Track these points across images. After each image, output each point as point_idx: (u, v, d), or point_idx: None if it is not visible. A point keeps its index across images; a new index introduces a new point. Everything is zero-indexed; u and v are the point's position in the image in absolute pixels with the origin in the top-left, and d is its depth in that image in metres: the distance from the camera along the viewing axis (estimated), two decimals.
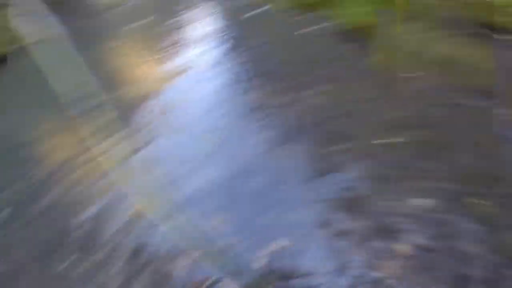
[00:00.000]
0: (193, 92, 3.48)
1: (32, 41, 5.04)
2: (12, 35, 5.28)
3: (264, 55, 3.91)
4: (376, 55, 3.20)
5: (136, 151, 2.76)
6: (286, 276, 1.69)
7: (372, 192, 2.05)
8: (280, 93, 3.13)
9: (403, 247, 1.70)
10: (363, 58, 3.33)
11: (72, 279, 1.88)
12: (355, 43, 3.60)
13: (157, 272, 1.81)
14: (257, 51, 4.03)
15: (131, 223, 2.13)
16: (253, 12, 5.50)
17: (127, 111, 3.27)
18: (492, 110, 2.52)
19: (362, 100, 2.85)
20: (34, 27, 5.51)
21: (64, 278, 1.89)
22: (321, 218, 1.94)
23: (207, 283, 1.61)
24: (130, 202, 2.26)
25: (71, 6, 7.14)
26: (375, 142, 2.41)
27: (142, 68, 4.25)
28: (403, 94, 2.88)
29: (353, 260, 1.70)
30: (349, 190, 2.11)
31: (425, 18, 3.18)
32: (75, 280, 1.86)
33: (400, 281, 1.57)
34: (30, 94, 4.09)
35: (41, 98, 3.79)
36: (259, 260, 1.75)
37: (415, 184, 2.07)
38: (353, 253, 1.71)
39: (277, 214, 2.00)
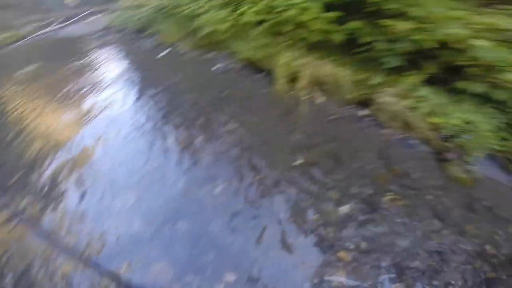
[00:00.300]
0: (107, 137, 3.22)
1: None
2: None
3: (176, 94, 3.95)
4: (276, 84, 3.60)
5: (50, 209, 2.40)
6: None
7: (301, 211, 2.29)
8: (197, 131, 3.18)
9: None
10: (266, 87, 3.71)
11: None
12: (257, 74, 4.01)
13: None
14: (169, 90, 4.07)
15: None
16: (162, 53, 5.58)
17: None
18: (374, 118, 3.16)
19: (272, 127, 3.14)
20: None
21: None
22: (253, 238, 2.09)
23: None
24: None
25: None
26: (292, 164, 2.70)
27: (50, 116, 3.77)
28: (305, 115, 3.29)
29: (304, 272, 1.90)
30: (280, 209, 2.31)
31: (306, 45, 3.73)
32: None
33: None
34: None
35: None
36: None
37: (333, 194, 2.41)
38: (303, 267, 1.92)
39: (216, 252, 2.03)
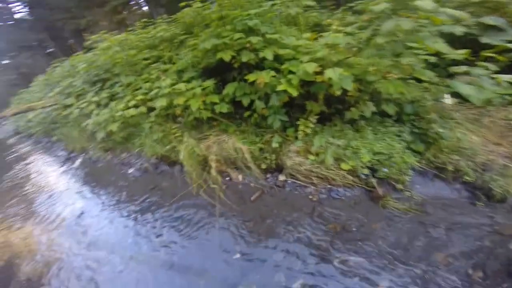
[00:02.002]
0: None
1: None
2: None
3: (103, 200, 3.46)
4: (190, 176, 3.17)
5: None
6: None
7: None
8: None
9: None
10: (182, 182, 3.28)
11: None
12: (171, 168, 3.59)
13: None
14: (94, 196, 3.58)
15: None
16: (77, 162, 4.93)
17: None
18: (293, 181, 2.87)
19: (202, 229, 2.76)
20: None
21: None
22: None
23: None
24: None
25: None
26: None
27: None
28: (231, 201, 2.92)
29: None
30: None
31: (199, 125, 3.32)
32: None
33: None
34: None
35: None
36: None
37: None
38: None
39: None
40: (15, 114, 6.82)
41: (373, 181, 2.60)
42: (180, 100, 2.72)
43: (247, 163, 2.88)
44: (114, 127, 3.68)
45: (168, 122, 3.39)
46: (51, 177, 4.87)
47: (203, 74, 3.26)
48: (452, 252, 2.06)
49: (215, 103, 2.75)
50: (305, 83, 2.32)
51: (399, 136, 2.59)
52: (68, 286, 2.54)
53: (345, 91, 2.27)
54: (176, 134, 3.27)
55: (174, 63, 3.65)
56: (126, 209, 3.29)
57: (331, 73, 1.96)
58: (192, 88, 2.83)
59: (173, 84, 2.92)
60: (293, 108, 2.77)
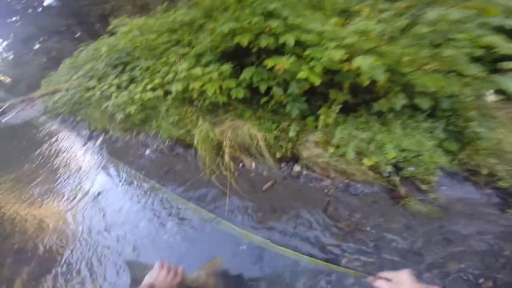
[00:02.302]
0: None
1: None
2: None
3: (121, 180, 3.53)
4: (204, 160, 3.10)
5: None
6: None
7: None
8: None
9: None
10: (196, 167, 3.22)
11: None
12: (186, 151, 3.53)
13: None
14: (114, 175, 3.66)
15: None
16: (98, 141, 5.05)
17: None
18: (308, 173, 2.72)
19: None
20: None
21: None
22: None
23: None
24: None
25: None
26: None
27: None
28: (242, 189, 2.83)
29: None
30: None
31: (216, 109, 3.21)
32: None
33: None
34: None
35: None
36: None
37: None
38: None
39: None
40: (42, 95, 7.12)
41: (396, 179, 2.39)
42: (196, 85, 2.61)
43: (261, 151, 2.75)
44: (132, 109, 3.66)
45: (184, 105, 3.31)
46: (75, 155, 5.05)
47: (221, 58, 3.11)
48: (467, 261, 1.90)
49: (232, 88, 2.62)
50: (329, 71, 2.11)
51: (431, 132, 2.33)
52: (86, 264, 2.60)
53: (374, 81, 2.04)
54: (192, 118, 3.19)
55: (193, 47, 3.54)
56: (141, 189, 3.31)
57: (360, 62, 1.75)
58: (209, 73, 2.71)
59: (190, 68, 2.81)
60: (314, 96, 2.58)
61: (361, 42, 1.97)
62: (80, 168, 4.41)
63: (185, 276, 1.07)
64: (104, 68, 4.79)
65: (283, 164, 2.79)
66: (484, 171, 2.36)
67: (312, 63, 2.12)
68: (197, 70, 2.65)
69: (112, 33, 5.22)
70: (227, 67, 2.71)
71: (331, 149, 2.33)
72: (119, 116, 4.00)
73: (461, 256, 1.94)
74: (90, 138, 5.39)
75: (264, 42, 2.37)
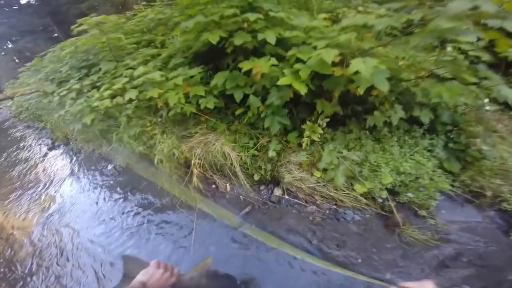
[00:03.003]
0: None
1: None
2: None
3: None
4: (170, 181, 2.56)
5: None
6: None
7: None
8: None
9: None
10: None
11: None
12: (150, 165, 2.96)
13: None
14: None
15: None
16: (57, 151, 4.33)
17: None
18: (291, 197, 2.22)
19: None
20: None
21: None
22: None
23: None
24: None
25: None
26: None
27: None
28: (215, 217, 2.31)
29: None
30: None
31: (183, 122, 2.68)
32: None
33: None
34: None
35: None
36: None
37: None
38: None
39: None
40: (4, 98, 6.21)
41: (392, 205, 1.97)
42: (153, 92, 2.06)
43: (236, 172, 2.24)
44: (88, 119, 3.05)
45: (149, 115, 2.73)
46: (35, 166, 4.28)
47: (193, 61, 2.59)
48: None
49: (201, 96, 2.09)
50: (316, 76, 1.65)
51: (430, 151, 1.94)
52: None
53: (368, 90, 1.61)
54: (156, 131, 2.62)
55: (167, 48, 2.99)
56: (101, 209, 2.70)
57: (359, 66, 1.29)
58: (173, 78, 2.17)
59: (146, 72, 2.26)
60: (298, 107, 2.12)
61: (357, 41, 1.52)
62: (38, 182, 3.69)
63: (180, 277, 1.01)
64: (68, 71, 4.11)
65: (262, 187, 2.30)
66: (488, 193, 2.00)
67: (297, 66, 1.65)
68: (155, 75, 2.10)
69: (82, 33, 4.59)
70: (195, 71, 2.19)
71: (317, 174, 1.87)
72: (77, 126, 3.35)
73: (462, 283, 1.68)
74: (51, 148, 4.63)
75: (239, 40, 1.87)
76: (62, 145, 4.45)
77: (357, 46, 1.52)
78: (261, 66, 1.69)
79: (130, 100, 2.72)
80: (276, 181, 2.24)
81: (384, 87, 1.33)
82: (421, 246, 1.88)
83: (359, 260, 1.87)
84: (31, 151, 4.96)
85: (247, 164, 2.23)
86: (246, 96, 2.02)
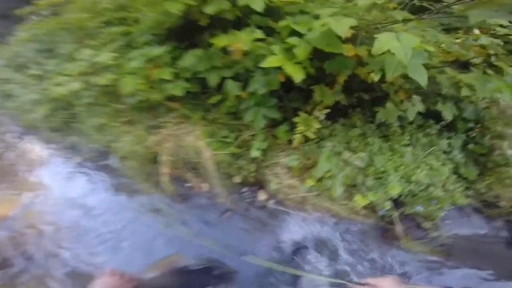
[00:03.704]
0: None
1: None
2: None
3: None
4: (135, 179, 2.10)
5: None
6: None
7: None
8: None
9: None
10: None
11: None
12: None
13: None
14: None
15: None
16: (27, 140, 3.70)
17: None
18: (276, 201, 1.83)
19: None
20: None
21: None
22: None
23: None
24: None
25: None
26: None
27: None
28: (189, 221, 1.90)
29: None
30: None
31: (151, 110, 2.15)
32: None
33: None
34: None
35: None
36: None
37: None
38: None
39: None
40: None
41: (394, 215, 1.61)
42: (102, 79, 1.54)
43: (213, 170, 1.80)
44: (43, 109, 2.49)
45: (113, 103, 2.18)
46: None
47: (167, 39, 2.01)
48: None
49: (168, 81, 1.57)
50: (317, 56, 1.17)
51: (446, 153, 1.56)
52: None
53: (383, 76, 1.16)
54: (120, 120, 2.10)
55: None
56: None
57: (391, 43, 0.79)
58: (131, 60, 1.63)
59: (94, 55, 1.71)
60: (291, 93, 1.65)
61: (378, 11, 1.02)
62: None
63: (140, 280, 0.92)
64: (31, 54, 3.40)
65: (245, 189, 1.88)
66: (503, 203, 1.68)
67: (291, 41, 1.15)
68: (104, 57, 1.56)
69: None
70: (160, 50, 1.63)
71: (311, 182, 1.46)
72: (34, 116, 2.78)
73: None
74: (19, 137, 3.96)
75: (213, 7, 1.32)
76: (30, 133, 3.79)
77: (378, 18, 1.03)
78: (241, 40, 1.18)
79: (89, 87, 2.16)
80: (260, 184, 1.82)
81: (422, 78, 0.87)
82: (420, 259, 1.60)
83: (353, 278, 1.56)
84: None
85: (226, 163, 1.78)
86: (224, 80, 1.52)
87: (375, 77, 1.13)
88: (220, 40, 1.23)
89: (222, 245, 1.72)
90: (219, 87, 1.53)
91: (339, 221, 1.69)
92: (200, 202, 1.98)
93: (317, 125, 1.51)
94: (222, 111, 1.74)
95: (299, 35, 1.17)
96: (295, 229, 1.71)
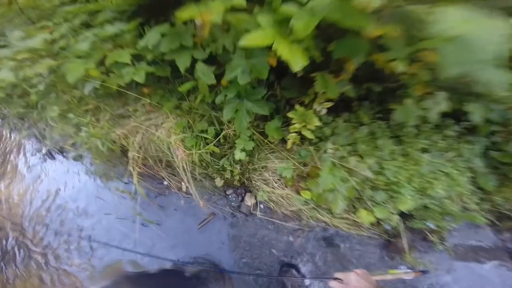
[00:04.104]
0: None
1: None
2: None
3: None
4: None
5: None
6: None
7: None
8: None
9: None
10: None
11: None
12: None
13: None
14: None
15: None
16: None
17: None
18: (267, 209, 1.55)
19: None
20: None
21: None
22: None
23: None
24: None
25: None
26: None
27: None
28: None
29: None
30: None
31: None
32: None
33: None
34: None
35: None
36: None
37: None
38: None
39: None
40: None
41: (400, 228, 1.38)
42: (40, 66, 1.17)
43: (190, 168, 1.50)
44: None
45: (74, 90, 1.79)
46: None
47: (134, 15, 1.56)
48: None
49: (125, 65, 1.20)
50: (321, 33, 0.81)
51: (466, 160, 1.29)
52: None
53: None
54: (83, 108, 1.73)
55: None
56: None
57: (472, 25, 0.42)
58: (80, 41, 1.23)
59: (26, 38, 1.30)
60: (284, 80, 1.30)
61: None
62: None
63: None
64: None
65: (229, 191, 1.60)
66: None
67: (287, 10, 0.79)
68: (36, 41, 1.17)
69: None
70: (115, 29, 1.23)
71: (307, 195, 1.17)
72: None
73: None
74: None
75: None
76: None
77: None
78: (211, 10, 0.81)
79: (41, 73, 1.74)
80: (247, 188, 1.54)
81: (498, 81, 0.54)
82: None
83: None
84: None
85: (206, 162, 1.48)
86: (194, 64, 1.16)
87: (399, 67, 0.80)
88: (184, 12, 0.86)
89: (200, 253, 1.50)
90: (192, 71, 1.17)
91: (337, 231, 1.46)
92: (178, 204, 1.71)
93: (316, 122, 1.20)
94: (197, 102, 1.39)
95: (299, 2, 0.80)
96: (283, 241, 1.48)
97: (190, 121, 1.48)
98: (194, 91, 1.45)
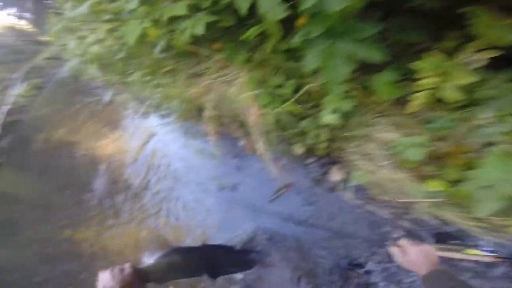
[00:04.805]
0: None
1: None
2: None
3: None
4: None
5: None
6: None
7: None
8: None
9: None
10: None
11: None
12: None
13: None
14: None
15: None
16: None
17: None
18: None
19: None
20: None
21: None
22: None
23: None
24: None
25: None
26: None
27: None
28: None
29: None
30: None
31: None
32: None
33: None
34: None
35: None
36: None
37: None
38: None
39: None
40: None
41: None
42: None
43: (269, 130, 1.31)
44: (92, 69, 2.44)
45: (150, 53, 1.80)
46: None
47: None
48: None
49: (178, 17, 0.99)
50: None
51: None
52: None
53: None
54: (161, 70, 1.73)
55: None
56: None
57: None
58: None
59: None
60: (401, 16, 0.77)
61: None
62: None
63: (137, 267, 0.83)
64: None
65: (310, 160, 1.34)
66: None
67: None
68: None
69: None
70: None
71: (438, 185, 0.76)
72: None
73: None
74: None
75: None
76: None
77: None
78: None
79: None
80: (334, 159, 1.23)
81: None
82: None
83: None
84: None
85: (282, 125, 1.23)
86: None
87: None
88: None
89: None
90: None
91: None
92: (254, 168, 1.62)
93: (466, 78, 0.69)
94: (269, 50, 1.07)
95: None
96: (376, 233, 1.16)
97: (264, 75, 1.21)
98: (266, 40, 1.13)
